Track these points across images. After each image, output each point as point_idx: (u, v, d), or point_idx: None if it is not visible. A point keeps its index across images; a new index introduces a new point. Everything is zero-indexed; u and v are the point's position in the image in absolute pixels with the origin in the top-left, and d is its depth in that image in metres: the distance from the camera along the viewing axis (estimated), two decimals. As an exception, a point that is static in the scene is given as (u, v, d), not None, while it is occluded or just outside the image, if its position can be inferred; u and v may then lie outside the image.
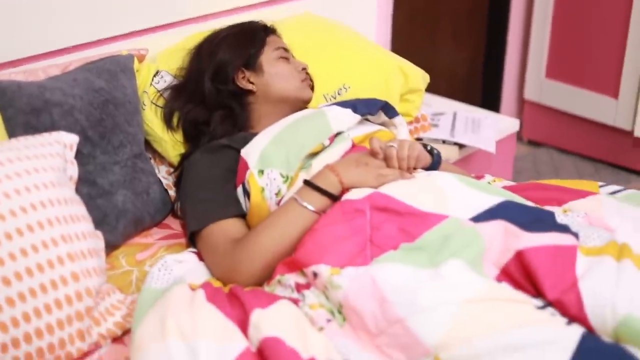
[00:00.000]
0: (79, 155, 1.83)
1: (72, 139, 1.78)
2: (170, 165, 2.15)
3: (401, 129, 2.05)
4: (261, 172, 1.83)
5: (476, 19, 3.79)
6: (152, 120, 2.10)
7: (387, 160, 1.81)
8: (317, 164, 1.86)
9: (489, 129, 2.74)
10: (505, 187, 2.03)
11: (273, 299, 1.60)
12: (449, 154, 2.63)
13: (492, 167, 2.90)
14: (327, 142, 1.89)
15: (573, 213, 1.84)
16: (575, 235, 1.65)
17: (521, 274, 1.55)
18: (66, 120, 1.83)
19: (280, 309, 1.57)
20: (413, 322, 1.46)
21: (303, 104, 2.11)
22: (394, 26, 3.17)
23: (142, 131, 2.05)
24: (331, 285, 1.56)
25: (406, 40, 3.41)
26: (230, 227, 1.80)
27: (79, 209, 1.67)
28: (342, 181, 1.76)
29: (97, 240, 1.70)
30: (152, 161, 2.14)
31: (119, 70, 2.02)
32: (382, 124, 2.08)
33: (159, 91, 2.12)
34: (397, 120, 2.05)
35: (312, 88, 2.19)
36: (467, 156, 2.76)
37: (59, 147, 1.72)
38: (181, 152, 2.10)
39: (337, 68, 2.31)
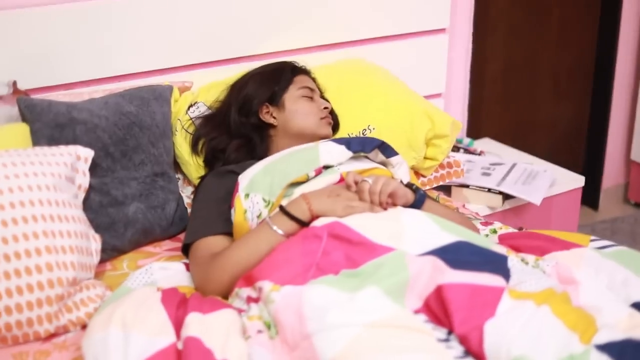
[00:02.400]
0: (97, 168, 2.10)
1: (87, 153, 2.05)
2: (194, 186, 2.37)
3: (398, 169, 2.15)
4: (247, 195, 2.01)
5: (580, 75, 3.76)
6: (182, 144, 2.34)
7: (359, 193, 1.93)
8: (299, 192, 2.00)
9: (543, 181, 2.76)
10: (502, 235, 2.10)
11: (218, 306, 1.76)
12: (492, 202, 2.68)
13: (552, 221, 2.90)
14: (312, 174, 2.03)
15: (544, 262, 1.87)
16: (506, 278, 1.69)
17: (439, 308, 1.63)
18: (88, 136, 2.10)
19: (219, 315, 1.73)
20: (317, 338, 1.58)
21: (319, 140, 2.27)
22: (486, 74, 3.23)
23: (169, 154, 2.29)
24: (268, 299, 1.70)
25: (500, 91, 3.48)
26: (214, 243, 1.99)
27: (73, 211, 1.92)
28: (312, 209, 1.90)
29: (88, 241, 1.94)
30: (181, 182, 2.38)
31: (152, 98, 2.27)
32: (383, 163, 2.19)
33: (191, 119, 2.36)
34: (394, 159, 2.15)
35: (334, 126, 2.36)
36: (519, 207, 2.78)
37: (70, 157, 1.99)
38: (201, 175, 2.31)
39: (364, 109, 2.45)
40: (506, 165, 2.87)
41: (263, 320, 1.71)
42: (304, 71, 2.39)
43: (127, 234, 2.13)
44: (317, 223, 1.87)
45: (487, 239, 1.92)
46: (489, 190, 2.68)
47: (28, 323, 1.78)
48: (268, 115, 2.28)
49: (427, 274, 1.68)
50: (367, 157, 2.18)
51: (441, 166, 2.57)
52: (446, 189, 2.76)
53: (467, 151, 3.06)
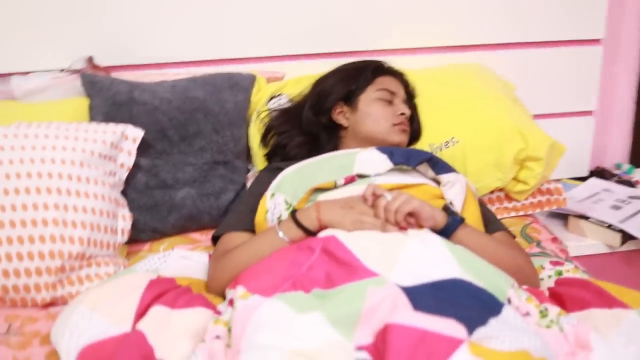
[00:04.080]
0: (150, 150, 2.13)
1: (136, 133, 2.08)
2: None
3: (449, 188, 1.94)
4: (273, 195, 1.94)
5: None
6: (255, 135, 2.30)
7: (374, 208, 1.78)
8: (323, 198, 1.89)
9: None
10: (561, 279, 1.85)
11: (196, 304, 1.72)
12: (610, 240, 2.35)
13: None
14: (340, 181, 1.90)
15: (566, 318, 1.62)
16: (473, 328, 1.48)
17: (381, 349, 1.46)
18: (146, 117, 2.13)
19: (187, 313, 1.68)
20: (243, 356, 1.49)
21: (390, 147, 2.12)
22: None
23: (237, 143, 2.25)
24: (233, 306, 1.63)
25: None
26: (235, 239, 1.94)
27: (99, 188, 1.96)
28: (320, 218, 1.78)
29: (112, 220, 1.98)
30: (253, 173, 2.34)
31: (226, 85, 2.25)
32: (436, 180, 2.00)
33: (268, 110, 2.31)
34: (445, 177, 1.94)
35: (414, 135, 2.20)
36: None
37: (113, 136, 2.04)
38: (264, 168, 2.26)
39: (450, 119, 2.25)
40: (645, 200, 2.50)
41: (229, 326, 1.64)
42: (390, 72, 2.24)
43: (171, 218, 2.14)
44: (321, 234, 1.75)
45: (503, 280, 1.66)
46: (609, 226, 2.34)
47: (25, 289, 1.85)
48: (341, 115, 2.18)
49: (386, 309, 1.51)
50: (418, 172, 1.99)
51: (540, 192, 2.28)
52: (563, 218, 2.46)
53: (620, 179, 2.70)
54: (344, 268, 1.63)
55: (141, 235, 2.12)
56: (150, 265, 1.92)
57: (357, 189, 1.88)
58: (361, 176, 1.93)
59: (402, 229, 1.75)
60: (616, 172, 2.75)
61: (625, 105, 2.82)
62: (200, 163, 2.18)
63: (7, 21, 2.28)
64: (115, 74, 2.33)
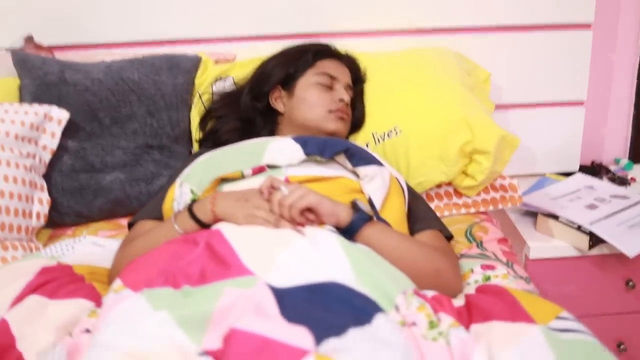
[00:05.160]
0: (79, 132, 2.07)
1: (61, 115, 2.02)
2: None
3: (368, 182, 1.80)
4: (181, 184, 1.85)
5: None
6: (194, 118, 2.20)
7: (269, 202, 1.67)
8: (228, 189, 1.79)
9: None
10: (482, 286, 1.70)
11: (78, 295, 1.65)
12: (578, 243, 2.16)
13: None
14: (247, 172, 1.80)
15: (457, 331, 1.48)
16: (319, 340, 1.35)
17: (224, 354, 1.37)
18: (75, 98, 2.07)
19: (62, 304, 1.61)
20: (84, 354, 1.42)
21: (326, 135, 2.00)
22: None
23: (175, 126, 2.16)
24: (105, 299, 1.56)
25: None
26: (144, 228, 1.87)
27: (12, 171, 1.90)
28: (214, 210, 1.69)
29: (26, 203, 1.92)
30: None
31: (165, 67, 2.16)
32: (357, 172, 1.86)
33: (211, 94, 2.21)
34: (363, 170, 1.80)
35: (355, 123, 2.08)
36: (620, 257, 2.21)
37: (35, 117, 1.98)
38: (201, 153, 2.17)
39: (395, 107, 2.10)
40: (631, 200, 2.28)
41: (101, 317, 1.57)
42: (334, 55, 2.11)
43: (97, 203, 2.07)
44: (214, 227, 1.66)
45: (394, 286, 1.52)
46: (579, 227, 2.15)
47: None
48: (279, 100, 2.06)
49: (239, 312, 1.40)
50: (337, 163, 1.86)
51: (493, 188, 2.11)
52: (533, 215, 2.28)
53: (614, 176, 2.49)
54: (220, 265, 1.54)
55: (65, 219, 2.06)
56: (56, 251, 1.87)
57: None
58: (272, 167, 1.81)
59: (299, 225, 1.63)
60: (613, 167, 2.53)
61: (623, 95, 2.59)
62: (132, 147, 2.10)
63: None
64: (61, 54, 2.27)
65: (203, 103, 2.20)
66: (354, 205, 1.67)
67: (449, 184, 2.10)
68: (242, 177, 1.80)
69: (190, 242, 1.62)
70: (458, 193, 2.11)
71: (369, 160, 1.82)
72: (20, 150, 1.95)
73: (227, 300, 1.41)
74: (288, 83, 2.06)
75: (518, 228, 2.28)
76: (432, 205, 2.11)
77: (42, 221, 1.97)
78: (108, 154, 2.08)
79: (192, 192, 1.81)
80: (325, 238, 1.57)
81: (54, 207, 2.03)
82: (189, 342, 1.35)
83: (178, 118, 2.16)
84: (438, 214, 2.10)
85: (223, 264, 1.53)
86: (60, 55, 2.26)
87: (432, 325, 1.45)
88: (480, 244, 1.95)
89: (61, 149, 2.05)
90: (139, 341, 1.36)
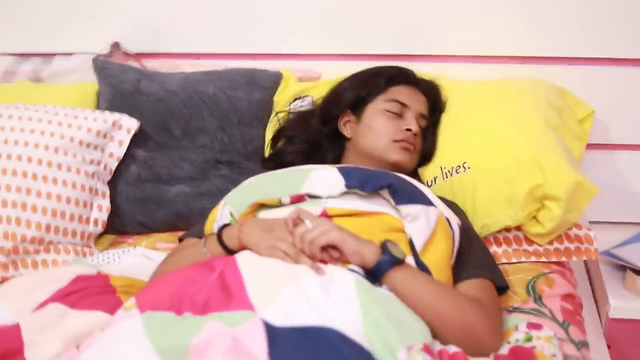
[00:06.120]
0: (149, 142, 2.10)
1: (130, 124, 2.05)
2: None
3: (411, 221, 1.67)
4: (224, 205, 1.83)
5: None
6: (269, 136, 2.17)
7: (293, 236, 1.61)
8: (265, 216, 1.75)
9: None
10: (517, 348, 1.57)
11: (98, 307, 1.67)
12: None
13: None
14: (285, 199, 1.73)
15: None
16: None
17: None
18: (148, 108, 2.09)
19: (82, 315, 1.65)
20: None
21: (389, 166, 1.91)
22: None
23: (247, 143, 2.13)
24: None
25: None
26: (187, 244, 1.86)
27: (71, 176, 1.95)
28: (240, 237, 1.66)
29: (84, 209, 1.96)
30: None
31: (243, 82, 2.14)
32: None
33: (288, 112, 2.17)
34: (405, 209, 1.68)
35: (425, 155, 1.98)
36: None
37: (103, 125, 2.02)
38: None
39: (467, 142, 1.96)
40: None
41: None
42: (409, 81, 2.00)
43: (159, 214, 2.09)
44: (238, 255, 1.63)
45: (400, 339, 1.42)
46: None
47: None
48: (347, 125, 2.00)
49: (213, 349, 1.36)
50: (382, 197, 1.76)
51: (568, 238, 1.92)
52: (622, 269, 2.07)
53: None
54: (225, 295, 1.51)
55: (127, 228, 2.09)
56: (103, 260, 1.90)
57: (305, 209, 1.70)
58: (313, 197, 1.74)
59: (321, 261, 1.56)
60: None
61: None
62: (200, 160, 2.10)
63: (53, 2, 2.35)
64: (148, 62, 2.30)
65: (278, 121, 2.16)
66: (383, 246, 1.57)
67: (519, 229, 1.94)
68: (280, 204, 1.74)
69: (207, 268, 1.59)
70: (529, 240, 1.94)
71: (415, 198, 1.70)
72: (84, 156, 1.99)
73: (205, 335, 1.37)
74: (358, 107, 1.98)
75: (606, 282, 2.07)
76: (499, 250, 1.95)
77: (100, 227, 2.01)
78: (176, 166, 2.08)
79: (231, 214, 1.78)
80: (342, 279, 1.49)
81: (117, 215, 2.06)
82: None
83: (251, 135, 2.13)
84: (504, 260, 1.95)
85: (227, 295, 1.50)
86: (147, 63, 2.29)
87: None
88: (539, 298, 1.78)
89: (129, 157, 2.08)
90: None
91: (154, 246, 2.05)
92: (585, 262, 2.31)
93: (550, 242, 1.93)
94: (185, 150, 2.10)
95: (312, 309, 1.40)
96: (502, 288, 1.76)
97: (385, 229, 1.67)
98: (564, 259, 1.93)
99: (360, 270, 1.54)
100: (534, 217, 1.90)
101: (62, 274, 1.77)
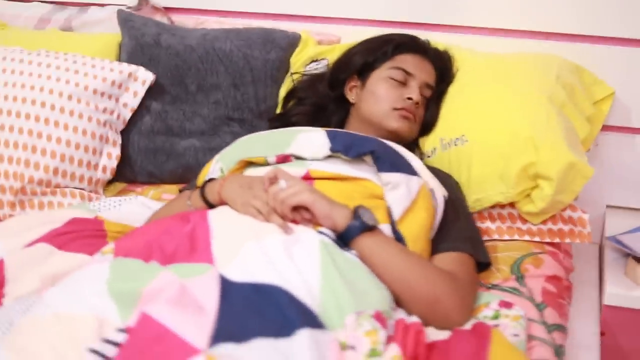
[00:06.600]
0: (164, 94, 2.16)
1: (146, 76, 2.11)
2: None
3: (391, 190, 1.68)
4: (217, 161, 1.87)
5: None
6: (282, 96, 2.19)
7: (268, 194, 1.64)
8: (251, 173, 1.78)
9: None
10: (478, 325, 1.57)
11: (84, 250, 1.73)
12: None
13: None
14: (272, 159, 1.77)
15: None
16: (214, 342, 1.32)
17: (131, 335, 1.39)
18: (165, 62, 2.14)
19: (65, 257, 1.71)
20: (32, 308, 1.51)
21: (388, 134, 1.91)
22: None
23: (260, 102, 2.16)
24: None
25: None
26: (184, 196, 1.92)
27: (84, 123, 2.03)
28: (220, 192, 1.70)
29: (93, 155, 2.04)
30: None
31: (260, 41, 2.16)
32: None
33: (302, 73, 2.18)
34: (386, 176, 1.68)
35: (426, 126, 1.97)
36: None
37: (119, 75, 2.09)
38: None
39: (467, 115, 1.93)
40: None
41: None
42: (418, 49, 1.99)
43: (167, 166, 2.14)
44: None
45: (351, 303, 1.43)
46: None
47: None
48: (353, 90, 2.01)
49: (165, 296, 1.41)
50: (366, 163, 1.76)
51: (562, 219, 1.87)
52: (627, 256, 2.02)
53: None
54: (191, 247, 1.56)
55: (138, 177, 2.16)
56: (103, 205, 1.96)
57: (289, 170, 1.73)
58: (299, 158, 1.76)
59: (294, 222, 1.59)
60: None
61: None
62: (212, 116, 2.14)
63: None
64: (175, 17, 2.35)
65: (293, 82, 2.17)
66: (355, 212, 1.58)
67: (514, 206, 1.91)
68: (267, 163, 1.77)
69: (184, 220, 1.64)
70: (523, 218, 1.91)
71: (397, 166, 1.70)
72: (97, 104, 2.06)
73: (156, 283, 1.42)
74: (364, 73, 1.98)
75: (608, 269, 2.02)
76: (493, 226, 1.93)
77: (109, 175, 2.08)
78: (188, 120, 2.13)
79: (221, 170, 1.82)
80: (308, 240, 1.52)
81: (128, 164, 2.13)
82: (117, 316, 1.37)
83: (265, 94, 2.16)
84: (496, 237, 1.93)
85: (193, 247, 1.54)
86: (175, 18, 2.34)
87: (372, 353, 1.36)
88: (521, 277, 1.76)
89: (144, 109, 2.14)
90: (71, 305, 1.40)
91: (160, 197, 2.11)
92: (600, 247, 2.26)
93: (545, 222, 1.90)
94: (199, 105, 2.14)
95: (269, 267, 1.43)
96: (484, 264, 1.75)
97: (366, 195, 1.68)
98: (557, 240, 1.89)
99: (331, 233, 1.57)
100: (528, 196, 1.87)
101: (58, 215, 1.84)
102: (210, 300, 1.38)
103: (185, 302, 1.37)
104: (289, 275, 1.42)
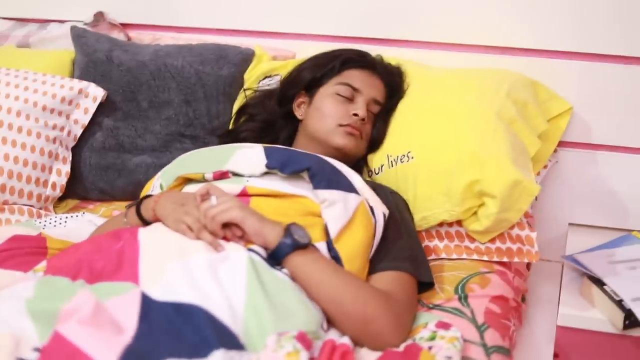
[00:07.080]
0: (116, 111, 2.14)
1: (97, 92, 2.10)
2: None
3: (328, 207, 1.64)
4: (158, 178, 1.85)
5: None
6: (234, 112, 2.17)
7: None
8: (188, 190, 1.76)
9: None
10: (410, 346, 1.55)
11: (14, 267, 1.71)
12: (613, 318, 1.84)
13: None
14: (209, 175, 1.74)
15: None
16: None
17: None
18: (117, 78, 2.13)
19: (2, 273, 1.70)
20: None
21: (334, 150, 1.89)
22: None
23: (213, 118, 2.14)
24: None
25: None
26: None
27: (32, 140, 2.02)
28: (154, 209, 1.68)
29: (42, 172, 2.03)
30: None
31: (212, 58, 2.14)
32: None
33: (255, 89, 2.16)
34: (322, 193, 1.65)
35: (373, 143, 1.94)
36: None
37: (69, 92, 2.08)
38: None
39: (412, 131, 1.91)
40: None
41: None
42: (366, 65, 1.97)
43: (119, 182, 2.13)
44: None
45: (273, 325, 1.40)
46: (620, 301, 1.83)
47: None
48: (301, 106, 1.99)
49: (78, 315, 1.38)
50: (305, 180, 1.73)
51: (510, 238, 1.84)
52: (582, 275, 1.97)
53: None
54: (118, 266, 1.53)
55: (90, 194, 2.15)
56: (49, 222, 1.94)
57: (226, 187, 1.70)
58: (237, 175, 1.74)
59: (224, 239, 1.56)
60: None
61: None
62: (164, 133, 2.13)
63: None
64: (133, 33, 2.34)
65: (245, 97, 2.15)
66: (287, 229, 1.55)
67: (461, 224, 1.87)
68: (204, 180, 1.75)
69: (115, 238, 1.62)
70: (470, 237, 1.88)
71: (334, 183, 1.67)
72: (47, 121, 2.04)
73: (74, 302, 1.39)
74: (312, 89, 1.96)
75: (564, 288, 1.97)
76: (441, 245, 1.90)
77: (58, 191, 2.06)
78: (140, 136, 2.12)
79: (161, 186, 1.80)
80: (236, 258, 1.49)
81: (79, 180, 2.12)
82: (34, 334, 1.35)
83: (217, 110, 2.14)
84: (444, 255, 1.89)
85: (119, 266, 1.52)
86: (133, 34, 2.33)
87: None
88: (464, 298, 1.72)
89: (95, 125, 2.13)
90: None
91: (111, 214, 2.09)
92: (562, 266, 2.21)
93: (493, 241, 1.86)
94: (151, 122, 2.13)
95: (192, 286, 1.41)
96: (428, 284, 1.71)
97: (303, 212, 1.66)
98: (505, 259, 1.85)
99: (262, 251, 1.54)
100: (475, 214, 1.84)
101: (0, 232, 1.83)
102: (129, 320, 1.36)
103: (100, 322, 1.35)
104: (210, 295, 1.40)
